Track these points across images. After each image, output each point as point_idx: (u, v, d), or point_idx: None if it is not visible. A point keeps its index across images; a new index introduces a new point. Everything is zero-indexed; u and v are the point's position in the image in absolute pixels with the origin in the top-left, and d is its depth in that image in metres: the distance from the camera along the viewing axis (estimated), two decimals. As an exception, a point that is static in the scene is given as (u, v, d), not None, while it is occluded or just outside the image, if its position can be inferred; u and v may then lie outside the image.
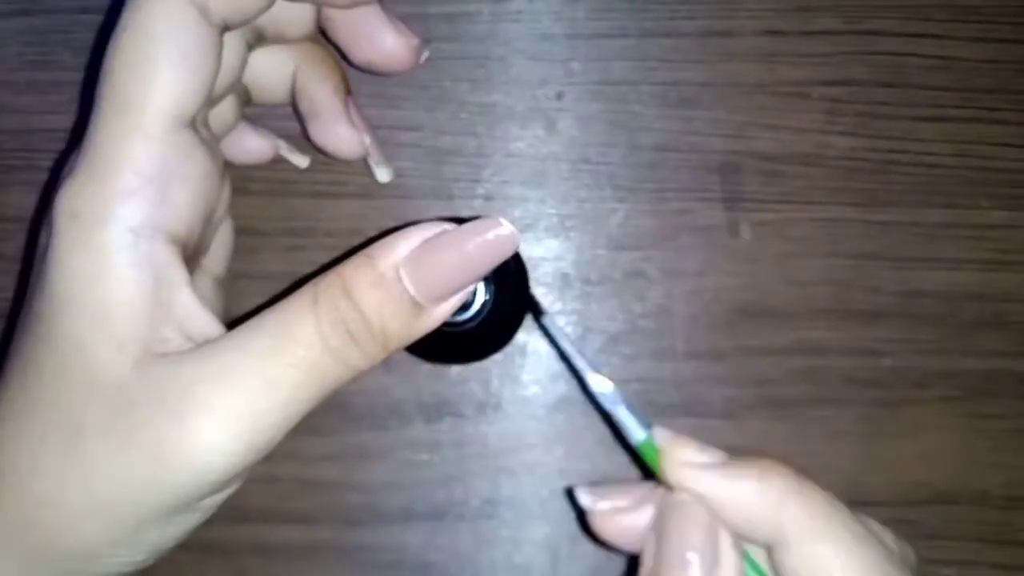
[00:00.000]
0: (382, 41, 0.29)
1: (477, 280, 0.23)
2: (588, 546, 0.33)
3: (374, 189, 0.34)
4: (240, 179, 0.33)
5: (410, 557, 0.33)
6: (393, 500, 0.33)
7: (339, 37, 0.29)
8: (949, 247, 0.34)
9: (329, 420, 0.33)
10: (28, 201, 0.33)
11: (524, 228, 0.34)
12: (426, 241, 0.22)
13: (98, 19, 0.34)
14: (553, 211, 0.34)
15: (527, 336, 0.33)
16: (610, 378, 0.33)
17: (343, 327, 0.22)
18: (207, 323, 0.23)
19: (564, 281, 0.34)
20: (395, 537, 0.33)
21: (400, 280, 0.22)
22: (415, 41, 0.29)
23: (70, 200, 0.22)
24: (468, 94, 0.34)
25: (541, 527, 0.33)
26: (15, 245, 0.33)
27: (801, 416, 0.33)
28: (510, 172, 0.34)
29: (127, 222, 0.22)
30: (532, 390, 0.33)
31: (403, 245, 0.22)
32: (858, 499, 0.33)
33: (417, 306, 0.22)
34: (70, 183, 0.22)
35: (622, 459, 0.33)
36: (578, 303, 0.34)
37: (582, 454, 0.33)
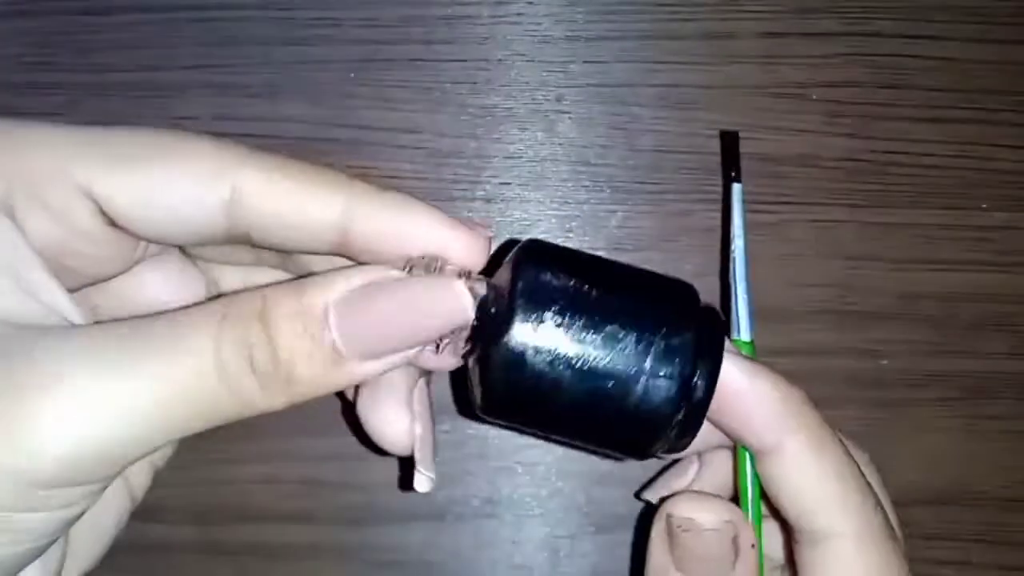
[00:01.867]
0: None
1: (416, 345, 0.20)
2: (588, 545, 0.33)
3: (374, 191, 0.34)
4: (241, 181, 0.34)
5: (410, 557, 0.33)
6: (393, 500, 0.33)
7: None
8: (948, 249, 0.34)
9: (329, 420, 0.33)
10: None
11: (524, 229, 0.34)
12: (368, 284, 0.19)
13: (98, 20, 0.34)
14: (553, 213, 0.34)
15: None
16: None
17: (247, 352, 0.18)
18: (72, 309, 0.20)
19: (564, 282, 0.34)
20: (395, 537, 0.33)
21: (326, 319, 0.19)
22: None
23: None
24: (468, 96, 0.34)
25: (540, 527, 0.33)
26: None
27: (800, 417, 0.33)
28: (510, 174, 0.34)
29: None
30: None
31: (341, 283, 0.19)
32: (857, 500, 0.33)
33: (337, 355, 0.19)
34: None
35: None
36: (578, 304, 0.34)
37: (580, 454, 0.33)
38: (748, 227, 0.28)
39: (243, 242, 0.21)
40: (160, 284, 0.23)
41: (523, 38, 0.34)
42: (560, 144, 0.34)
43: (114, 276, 0.22)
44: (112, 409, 0.18)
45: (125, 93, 0.34)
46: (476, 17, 0.34)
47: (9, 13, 0.34)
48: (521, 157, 0.34)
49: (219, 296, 0.21)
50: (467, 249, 0.21)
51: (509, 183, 0.34)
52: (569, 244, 0.34)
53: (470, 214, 0.34)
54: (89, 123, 0.33)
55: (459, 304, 0.19)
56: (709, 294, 0.33)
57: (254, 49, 0.34)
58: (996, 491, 0.34)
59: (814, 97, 0.34)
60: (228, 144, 0.20)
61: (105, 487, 0.19)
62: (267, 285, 0.20)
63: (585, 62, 0.34)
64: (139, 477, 0.24)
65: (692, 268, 0.34)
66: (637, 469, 0.33)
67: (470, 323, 0.20)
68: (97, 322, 0.20)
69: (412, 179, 0.34)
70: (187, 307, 0.20)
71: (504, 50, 0.34)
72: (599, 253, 0.33)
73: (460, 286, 0.20)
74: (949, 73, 0.35)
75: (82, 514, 0.19)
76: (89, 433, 0.18)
